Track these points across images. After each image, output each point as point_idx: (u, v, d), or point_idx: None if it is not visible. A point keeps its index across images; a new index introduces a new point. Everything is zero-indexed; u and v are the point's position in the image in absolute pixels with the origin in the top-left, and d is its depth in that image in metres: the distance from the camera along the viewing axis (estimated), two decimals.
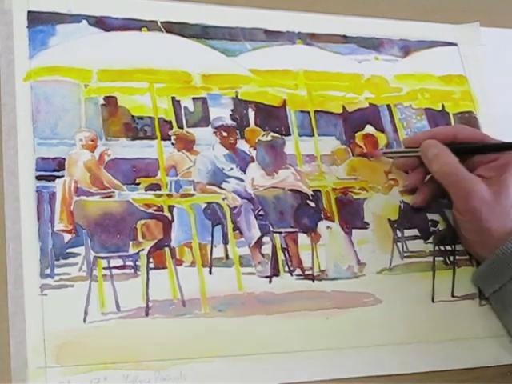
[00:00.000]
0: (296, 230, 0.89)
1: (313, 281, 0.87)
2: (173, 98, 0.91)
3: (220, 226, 0.87)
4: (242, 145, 0.92)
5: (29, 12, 0.88)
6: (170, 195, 0.86)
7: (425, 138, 0.91)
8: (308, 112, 0.97)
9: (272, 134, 0.94)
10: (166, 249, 0.83)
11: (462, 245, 0.92)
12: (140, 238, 0.83)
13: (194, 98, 0.92)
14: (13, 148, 0.82)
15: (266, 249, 0.87)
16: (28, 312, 0.75)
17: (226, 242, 0.86)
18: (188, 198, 0.87)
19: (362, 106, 0.99)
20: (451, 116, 1.03)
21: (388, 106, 1.01)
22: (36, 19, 0.88)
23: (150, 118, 0.90)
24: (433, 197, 0.93)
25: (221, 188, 0.89)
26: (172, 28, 0.94)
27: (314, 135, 0.95)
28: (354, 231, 0.91)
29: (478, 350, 0.87)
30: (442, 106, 1.03)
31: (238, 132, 0.92)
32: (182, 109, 0.91)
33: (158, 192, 0.86)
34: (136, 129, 0.89)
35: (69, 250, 0.80)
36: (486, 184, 0.83)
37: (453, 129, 0.93)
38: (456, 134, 0.90)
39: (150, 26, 0.93)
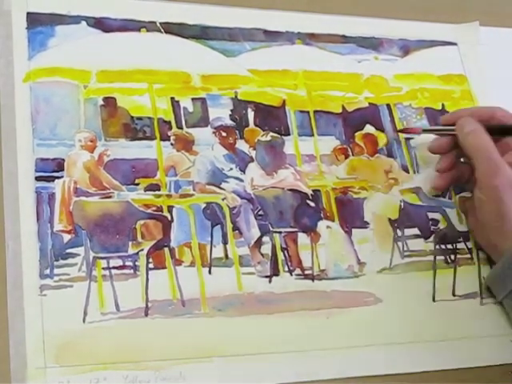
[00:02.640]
0: (296, 229, 0.89)
1: (313, 280, 0.86)
2: (172, 98, 0.91)
3: (219, 226, 0.87)
4: (242, 145, 0.92)
5: (28, 13, 0.89)
6: (169, 195, 0.86)
7: (463, 116, 0.91)
8: (307, 112, 0.97)
9: (271, 133, 0.94)
10: (166, 249, 0.83)
11: (474, 234, 0.91)
12: (139, 239, 0.83)
13: (193, 99, 0.92)
14: (12, 149, 0.82)
15: (266, 249, 0.87)
16: (27, 312, 0.75)
17: (225, 241, 0.86)
18: (187, 198, 0.87)
19: (361, 106, 0.99)
20: None
21: (388, 105, 1.01)
22: (35, 20, 0.89)
23: (149, 118, 0.90)
24: (450, 185, 0.94)
25: (220, 188, 0.89)
26: (171, 29, 0.95)
27: (313, 135, 0.95)
28: (353, 231, 0.91)
29: (478, 350, 0.87)
30: (442, 105, 1.03)
31: (237, 132, 0.92)
32: (181, 109, 0.91)
33: (157, 192, 0.86)
34: (135, 129, 0.89)
35: (68, 251, 0.80)
36: None
37: (491, 108, 0.93)
38: (493, 114, 0.91)
39: (149, 26, 0.94)
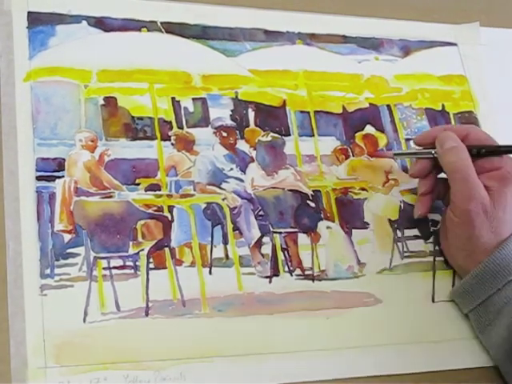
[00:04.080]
0: (296, 230, 0.89)
1: (313, 281, 0.87)
2: (173, 98, 0.91)
3: (220, 226, 0.87)
4: (242, 145, 0.92)
5: (28, 13, 0.88)
6: (169, 195, 0.86)
7: (436, 134, 0.86)
8: (308, 112, 0.97)
9: (272, 134, 0.94)
10: (166, 249, 0.84)
11: (444, 252, 0.90)
12: (140, 238, 0.83)
13: (193, 99, 0.92)
14: (13, 148, 0.82)
15: (266, 249, 0.87)
16: (28, 312, 0.75)
17: (225, 242, 0.86)
18: (188, 198, 0.87)
19: (361, 106, 0.99)
20: (451, 116, 1.03)
21: (388, 105, 1.01)
22: (36, 20, 0.88)
23: (149, 118, 0.90)
24: (432, 204, 0.91)
25: (221, 188, 0.89)
26: (172, 28, 0.94)
27: (313, 135, 0.96)
28: (353, 231, 0.91)
29: (478, 350, 0.87)
30: (442, 105, 1.03)
31: (237, 132, 0.92)
32: (181, 109, 0.91)
33: (157, 192, 0.86)
34: (136, 129, 0.89)
35: (69, 251, 0.80)
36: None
37: (466, 127, 0.88)
38: (468, 134, 0.86)
39: (150, 26, 0.94)
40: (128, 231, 0.82)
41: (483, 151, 0.85)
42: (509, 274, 0.81)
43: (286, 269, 0.87)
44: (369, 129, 0.98)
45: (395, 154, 0.95)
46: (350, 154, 0.96)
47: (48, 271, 0.78)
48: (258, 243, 0.87)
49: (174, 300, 0.81)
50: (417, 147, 0.91)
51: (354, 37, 1.03)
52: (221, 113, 0.92)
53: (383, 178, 0.96)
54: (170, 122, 0.90)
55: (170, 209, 0.85)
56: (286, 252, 0.88)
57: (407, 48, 1.05)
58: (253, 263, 0.86)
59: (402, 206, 0.95)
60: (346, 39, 1.02)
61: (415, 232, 0.94)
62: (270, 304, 0.83)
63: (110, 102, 0.89)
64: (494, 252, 0.82)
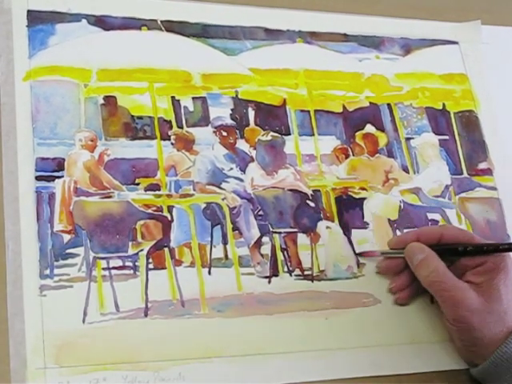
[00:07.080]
0: (295, 230, 0.89)
1: (312, 281, 0.87)
2: (172, 97, 0.91)
3: (219, 226, 0.87)
4: (242, 144, 0.92)
5: (28, 11, 0.88)
6: (169, 195, 0.86)
7: (410, 240, 0.84)
8: (308, 111, 0.96)
9: (272, 133, 0.93)
10: (166, 249, 0.84)
11: (457, 350, 0.84)
12: (139, 239, 0.83)
13: (193, 98, 0.92)
14: (12, 148, 0.82)
15: (266, 249, 0.87)
16: (27, 313, 0.75)
17: (225, 242, 0.86)
18: (187, 198, 0.87)
19: (362, 105, 0.99)
20: (452, 115, 1.03)
21: (388, 104, 1.00)
22: (35, 18, 0.88)
23: (149, 117, 0.89)
24: (418, 293, 0.87)
25: (220, 188, 0.89)
26: (172, 27, 0.94)
27: (314, 135, 0.95)
28: (353, 231, 0.91)
29: None
30: (443, 104, 1.03)
31: (237, 132, 0.92)
32: (181, 108, 0.91)
33: (157, 192, 0.86)
34: (135, 129, 0.89)
35: (68, 251, 0.80)
36: (476, 291, 0.78)
37: (438, 229, 0.86)
38: (442, 234, 0.83)
39: (150, 24, 0.93)
40: (127, 231, 0.82)
41: (461, 249, 0.82)
42: None
43: (286, 269, 0.87)
44: (369, 128, 0.98)
45: (382, 253, 0.88)
46: (350, 154, 0.96)
47: (47, 272, 0.78)
48: (258, 243, 0.87)
49: (173, 300, 0.81)
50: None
51: (355, 35, 1.02)
52: (221, 112, 0.92)
53: (383, 177, 0.96)
54: (170, 122, 0.90)
55: (170, 209, 0.85)
56: (285, 252, 0.88)
57: (408, 46, 1.04)
58: (252, 263, 0.86)
59: (402, 205, 0.95)
60: (346, 37, 1.02)
61: None
62: (270, 304, 0.83)
63: (110, 102, 0.88)
64: (501, 347, 0.77)
